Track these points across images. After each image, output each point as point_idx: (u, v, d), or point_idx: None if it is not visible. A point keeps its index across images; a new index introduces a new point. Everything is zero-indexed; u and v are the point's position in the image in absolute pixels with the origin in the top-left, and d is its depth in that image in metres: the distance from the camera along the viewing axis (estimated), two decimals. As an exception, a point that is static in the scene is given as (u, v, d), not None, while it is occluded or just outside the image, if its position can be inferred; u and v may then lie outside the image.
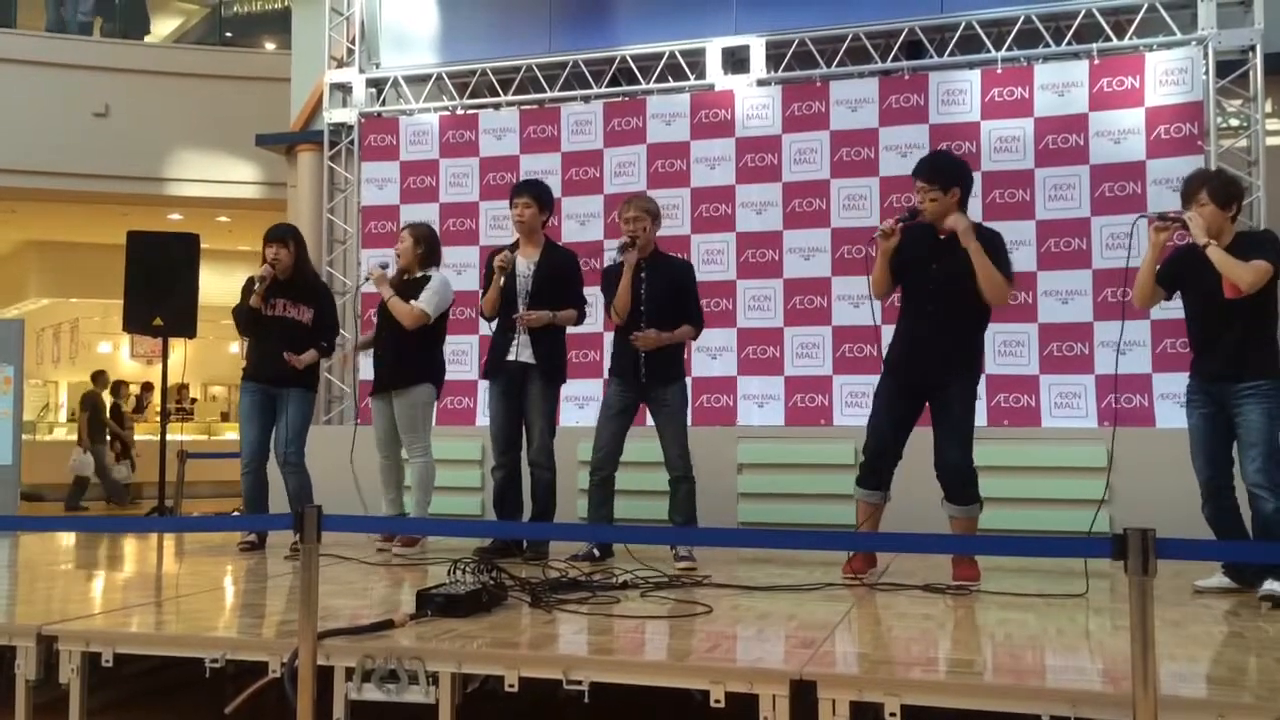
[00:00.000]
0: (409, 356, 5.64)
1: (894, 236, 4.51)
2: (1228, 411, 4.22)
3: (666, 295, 5.23)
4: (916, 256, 4.55)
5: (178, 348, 8.18)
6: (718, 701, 2.96)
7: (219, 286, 10.12)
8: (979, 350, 4.67)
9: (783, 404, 6.99)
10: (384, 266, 5.73)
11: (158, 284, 7.76)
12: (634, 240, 5.20)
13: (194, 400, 16.95)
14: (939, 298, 4.53)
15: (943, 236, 4.55)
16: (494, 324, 5.55)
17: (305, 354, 5.62)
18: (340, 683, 3.20)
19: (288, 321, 5.62)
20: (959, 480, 4.53)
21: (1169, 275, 4.39)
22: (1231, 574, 4.32)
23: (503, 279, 5.36)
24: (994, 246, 4.50)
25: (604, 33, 7.71)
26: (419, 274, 5.71)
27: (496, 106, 7.86)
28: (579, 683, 3.07)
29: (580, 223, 7.49)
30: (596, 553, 5.18)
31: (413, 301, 5.58)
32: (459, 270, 7.53)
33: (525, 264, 5.45)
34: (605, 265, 5.41)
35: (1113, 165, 6.52)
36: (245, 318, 5.63)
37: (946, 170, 4.57)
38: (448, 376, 5.91)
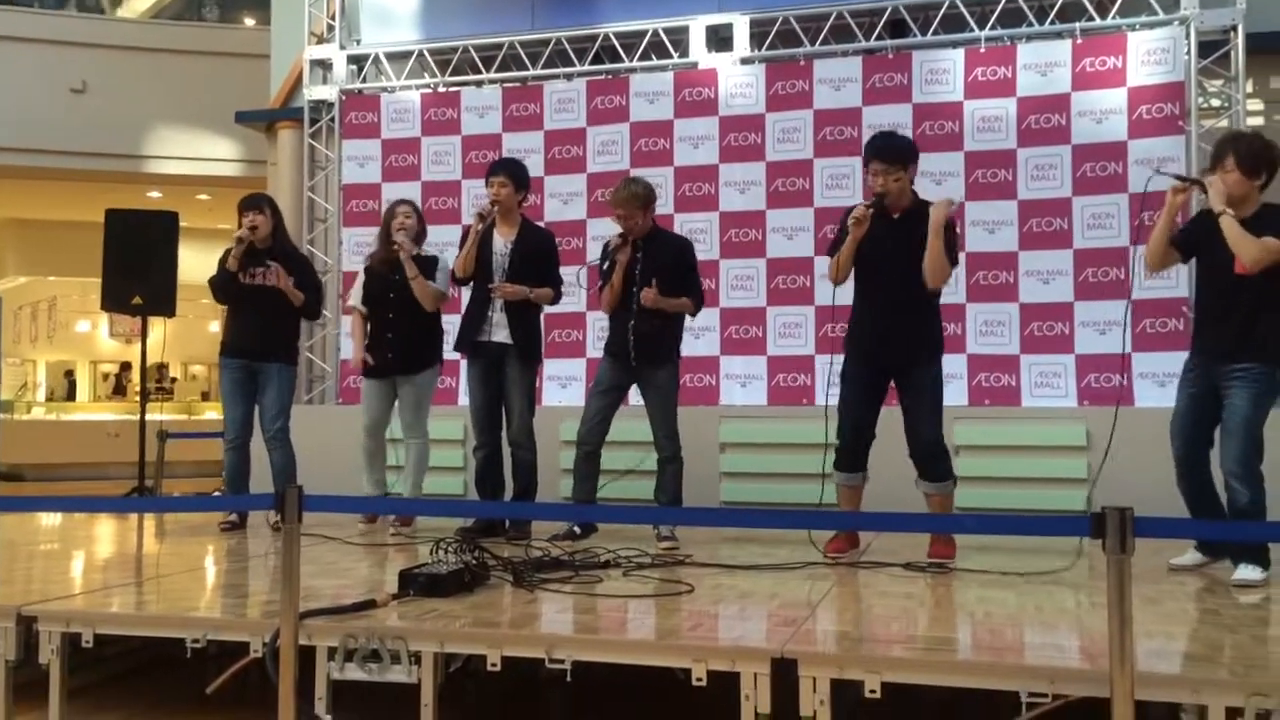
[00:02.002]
0: (420, 340, 5.66)
1: (865, 223, 4.51)
2: (1217, 393, 4.15)
3: (661, 274, 5.19)
4: (874, 238, 4.54)
5: (157, 326, 8.13)
6: (699, 680, 2.97)
7: (199, 265, 10.00)
8: (939, 327, 4.70)
9: (765, 383, 7.00)
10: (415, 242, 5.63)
11: (137, 262, 7.70)
12: (626, 237, 5.19)
13: (174, 380, 16.86)
14: (896, 278, 4.54)
15: (896, 217, 4.56)
16: (469, 290, 5.54)
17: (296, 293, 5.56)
18: (322, 662, 3.21)
19: (267, 290, 5.58)
20: (933, 457, 4.58)
21: (1187, 239, 4.28)
22: (1203, 547, 4.35)
23: (481, 227, 5.31)
24: (950, 236, 4.52)
25: (587, 10, 7.66)
26: (415, 252, 5.68)
27: (479, 84, 7.80)
28: (561, 662, 3.08)
29: (563, 201, 7.46)
30: (577, 530, 5.19)
31: (430, 283, 5.60)
32: (441, 249, 7.45)
33: (503, 243, 5.43)
34: (609, 240, 5.37)
35: (1094, 145, 6.53)
36: (222, 282, 5.58)
37: (903, 151, 4.60)
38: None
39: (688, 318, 5.40)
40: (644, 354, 5.20)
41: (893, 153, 4.56)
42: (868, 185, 4.70)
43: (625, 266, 5.18)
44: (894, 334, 4.56)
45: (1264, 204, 4.11)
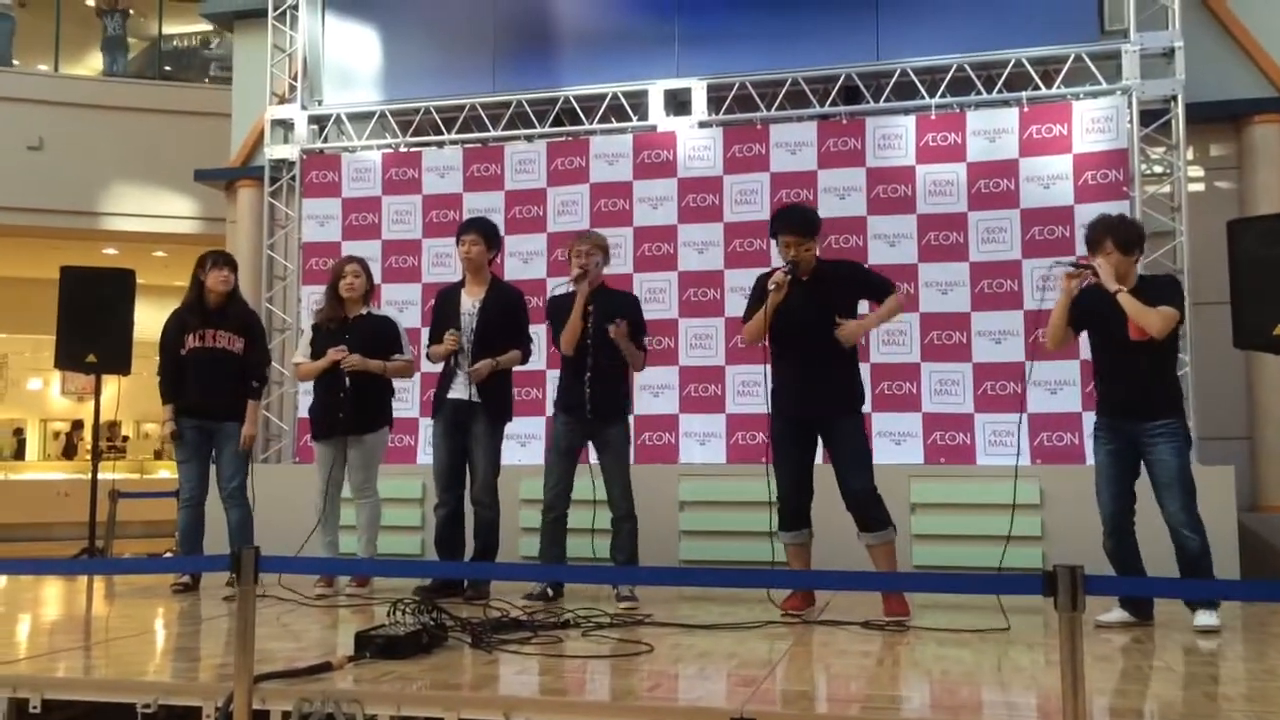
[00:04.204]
0: (371, 401, 5.61)
1: (785, 288, 4.69)
2: (1135, 448, 4.39)
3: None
4: (788, 302, 4.72)
5: (110, 384, 8.03)
6: (658, 741, 2.97)
7: (154, 322, 9.93)
8: (857, 379, 4.88)
9: (724, 441, 7.03)
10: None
11: (92, 320, 7.62)
12: (585, 272, 5.24)
13: (126, 438, 16.59)
14: (811, 336, 4.72)
15: (805, 280, 4.75)
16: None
17: (250, 411, 5.67)
18: (277, 727, 3.16)
19: (218, 352, 5.59)
20: (865, 506, 4.68)
21: (1075, 316, 4.58)
22: (1129, 608, 4.47)
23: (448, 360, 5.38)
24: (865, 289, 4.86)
25: (547, 73, 7.78)
26: (364, 310, 5.68)
27: (440, 145, 7.87)
28: (520, 724, 3.06)
29: (523, 260, 7.51)
30: (550, 592, 5.16)
31: (397, 356, 5.63)
32: (400, 308, 7.50)
33: (471, 302, 5.44)
34: (551, 295, 5.40)
35: (1042, 209, 6.70)
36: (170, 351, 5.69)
37: (813, 223, 4.84)
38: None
39: (635, 376, 5.45)
40: (599, 407, 5.22)
41: (804, 225, 4.79)
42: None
43: (580, 316, 5.20)
44: (814, 389, 4.72)
45: (1140, 276, 4.51)
